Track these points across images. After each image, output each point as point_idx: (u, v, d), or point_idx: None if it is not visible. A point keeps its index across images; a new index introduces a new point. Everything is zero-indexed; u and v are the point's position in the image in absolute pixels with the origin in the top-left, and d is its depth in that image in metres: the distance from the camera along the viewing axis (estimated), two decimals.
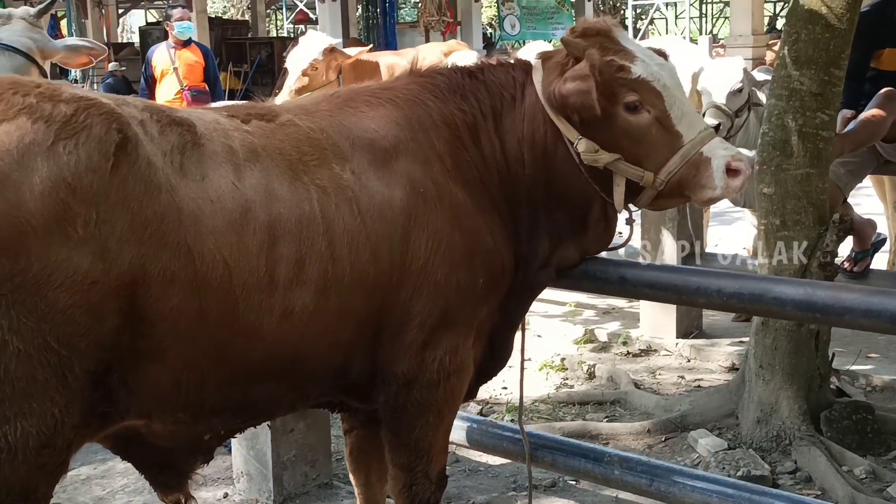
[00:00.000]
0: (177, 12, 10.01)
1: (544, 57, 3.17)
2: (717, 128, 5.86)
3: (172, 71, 9.77)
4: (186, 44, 9.95)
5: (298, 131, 2.83)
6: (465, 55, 7.49)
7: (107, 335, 2.34)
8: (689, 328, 6.45)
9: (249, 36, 26.12)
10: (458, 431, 3.75)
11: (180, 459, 2.83)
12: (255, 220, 2.58)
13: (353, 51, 8.75)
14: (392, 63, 8.73)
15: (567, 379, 6.03)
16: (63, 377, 2.28)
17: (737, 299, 3.01)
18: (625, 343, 6.47)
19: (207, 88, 9.94)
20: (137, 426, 2.64)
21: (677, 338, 6.39)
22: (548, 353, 6.35)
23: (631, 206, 3.19)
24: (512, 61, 3.24)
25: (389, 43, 20.78)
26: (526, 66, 3.17)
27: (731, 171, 2.93)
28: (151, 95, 9.74)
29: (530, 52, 7.86)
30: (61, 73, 24.70)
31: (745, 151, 3.52)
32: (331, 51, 8.22)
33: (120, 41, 29.98)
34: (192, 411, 2.65)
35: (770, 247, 4.62)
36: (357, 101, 3.05)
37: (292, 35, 26.50)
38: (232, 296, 2.53)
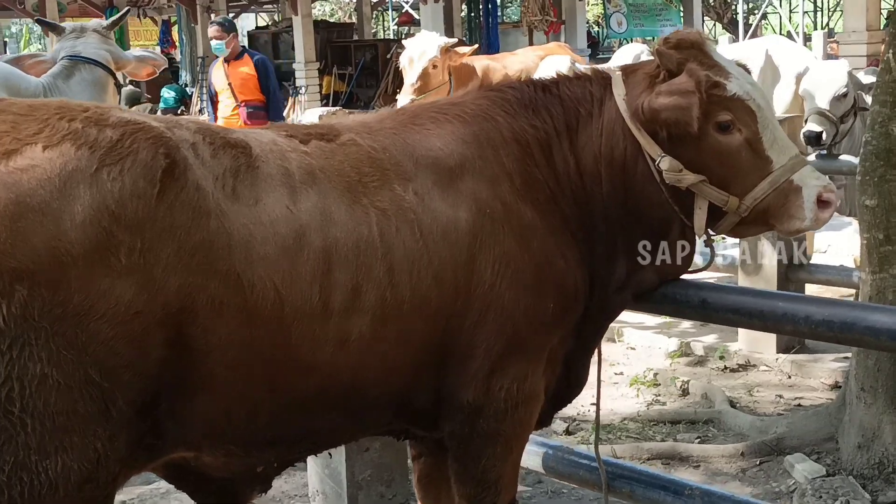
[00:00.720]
0: (211, 30, 9.51)
1: (627, 70, 3.01)
2: (819, 135, 5.62)
3: (227, 87, 9.29)
4: (239, 56, 9.36)
5: (359, 151, 2.73)
6: (558, 60, 7.31)
7: (152, 366, 2.27)
8: (790, 342, 6.18)
9: (355, 38, 26.30)
10: (532, 457, 3.61)
11: (236, 489, 2.77)
12: (309, 246, 2.49)
13: (463, 51, 8.69)
14: (486, 67, 8.64)
15: (659, 395, 5.83)
16: (106, 410, 2.22)
17: (826, 327, 2.79)
18: (721, 357, 6.23)
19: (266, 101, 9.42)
20: (187, 457, 2.58)
21: (778, 353, 6.13)
22: (640, 368, 6.17)
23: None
24: (590, 74, 3.09)
25: (492, 44, 20.71)
26: (604, 80, 3.01)
27: (821, 203, 2.77)
28: (214, 114, 9.54)
29: (626, 54, 7.69)
30: (173, 75, 25.46)
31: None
32: (446, 50, 8.16)
33: None
34: (245, 443, 2.57)
35: (872, 262, 4.36)
36: (423, 117, 2.94)
37: (396, 37, 26.63)
38: (284, 325, 2.44)
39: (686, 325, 7.01)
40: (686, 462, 4.81)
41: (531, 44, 20.38)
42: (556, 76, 3.13)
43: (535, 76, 3.16)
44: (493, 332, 2.77)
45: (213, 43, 9.39)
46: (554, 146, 2.94)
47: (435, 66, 8.09)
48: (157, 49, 28.61)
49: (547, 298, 2.84)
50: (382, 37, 29.55)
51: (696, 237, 2.96)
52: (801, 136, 5.71)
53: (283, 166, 2.57)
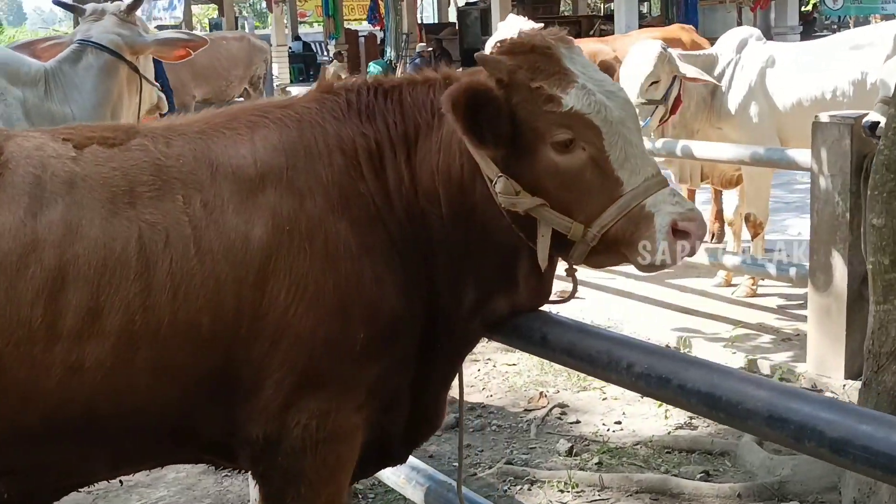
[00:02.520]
0: None
1: (467, 76, 2.67)
2: (876, 125, 4.91)
3: None
4: None
5: (143, 158, 2.54)
6: (646, 46, 6.79)
7: None
8: (861, 367, 5.50)
9: (558, 14, 25.97)
10: (415, 490, 3.35)
11: None
12: (38, 263, 2.34)
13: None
14: (595, 51, 8.19)
15: (694, 418, 5.33)
16: None
17: (644, 381, 2.40)
18: (783, 379, 5.63)
19: None
20: None
21: (846, 378, 5.48)
22: None
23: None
24: (438, 78, 2.76)
25: (690, 21, 19.82)
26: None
27: (678, 233, 2.38)
28: None
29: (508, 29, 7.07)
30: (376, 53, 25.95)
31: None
32: None
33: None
34: None
35: (877, 291, 3.78)
36: (239, 120, 2.70)
37: (599, 14, 26.08)
38: None
39: (765, 338, 6.42)
40: (676, 499, 4.36)
41: (739, 23, 19.45)
42: (404, 79, 2.83)
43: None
44: (287, 362, 2.53)
45: None
46: (387, 158, 2.65)
47: None
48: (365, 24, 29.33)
49: (355, 327, 2.56)
50: (587, 13, 28.88)
51: (541, 267, 2.58)
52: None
53: (35, 174, 2.43)
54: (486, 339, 3.00)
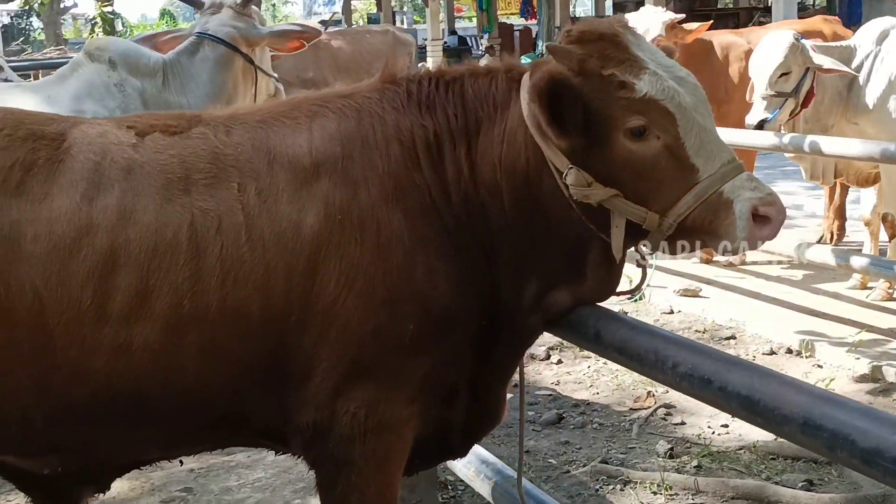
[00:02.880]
0: None
1: (537, 66, 2.64)
2: None
3: None
4: None
5: (202, 146, 2.60)
6: (778, 36, 6.54)
7: None
8: None
9: (715, 6, 25.32)
10: (483, 484, 3.33)
11: (64, 488, 2.78)
12: (90, 246, 2.42)
13: (691, 27, 8.02)
14: (728, 43, 7.98)
15: None
16: None
17: (687, 382, 2.31)
18: None
19: None
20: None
21: None
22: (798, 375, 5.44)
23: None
24: (501, 70, 2.74)
25: (853, 13, 19.04)
26: (514, 78, 2.65)
27: (758, 218, 2.36)
28: None
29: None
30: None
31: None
32: (672, 27, 7.63)
33: None
34: (20, 446, 2.58)
35: None
36: (301, 109, 2.74)
37: (759, 6, 25.27)
38: (46, 328, 2.40)
39: (892, 344, 6.10)
40: None
41: None
42: (465, 71, 2.81)
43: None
44: (337, 351, 2.55)
45: None
46: (446, 150, 2.64)
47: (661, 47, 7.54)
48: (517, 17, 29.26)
49: (405, 319, 2.56)
50: (748, 4, 27.99)
51: (616, 258, 2.55)
52: None
53: (95, 161, 2.52)
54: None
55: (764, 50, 6.58)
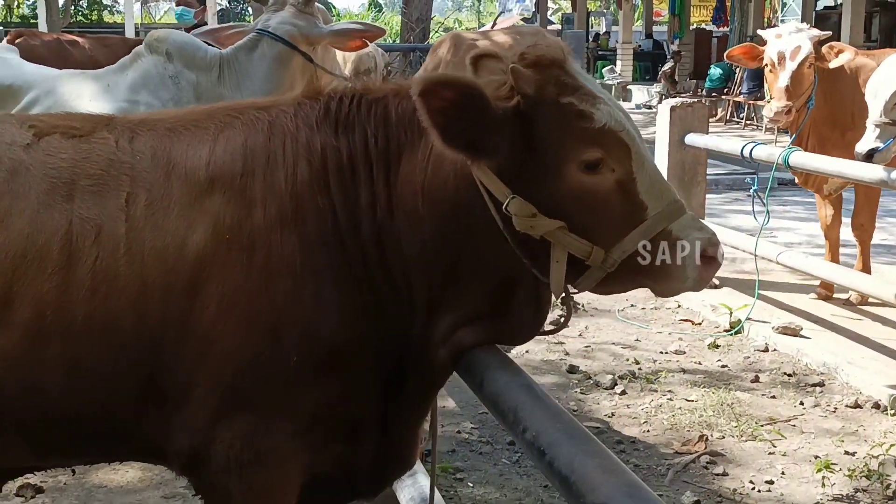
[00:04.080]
0: None
1: None
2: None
3: None
4: None
5: (101, 151, 2.52)
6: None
7: None
8: None
9: None
10: None
11: None
12: None
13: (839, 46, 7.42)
14: (858, 66, 7.30)
15: (858, 490, 4.64)
16: None
17: (529, 449, 2.09)
18: None
19: None
20: None
21: None
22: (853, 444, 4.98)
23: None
24: None
25: None
26: None
27: (705, 259, 2.29)
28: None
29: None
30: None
31: None
32: (818, 43, 7.05)
33: None
34: None
35: None
36: (214, 118, 2.63)
37: None
38: None
39: None
40: None
41: None
42: (390, 90, 2.63)
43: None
44: (215, 376, 2.43)
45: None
46: (360, 175, 2.48)
47: (810, 66, 7.03)
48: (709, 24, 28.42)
49: (287, 349, 2.42)
50: None
51: (555, 294, 2.41)
52: None
53: None
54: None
55: (883, 71, 6.05)
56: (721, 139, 8.06)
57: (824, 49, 7.02)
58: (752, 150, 7.06)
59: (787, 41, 7.08)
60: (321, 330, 2.42)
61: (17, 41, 7.77)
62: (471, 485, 4.69)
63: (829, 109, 7.07)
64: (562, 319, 2.59)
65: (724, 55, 8.16)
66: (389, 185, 2.46)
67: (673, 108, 8.08)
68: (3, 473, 2.81)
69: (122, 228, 2.41)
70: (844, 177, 6.34)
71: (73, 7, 41.70)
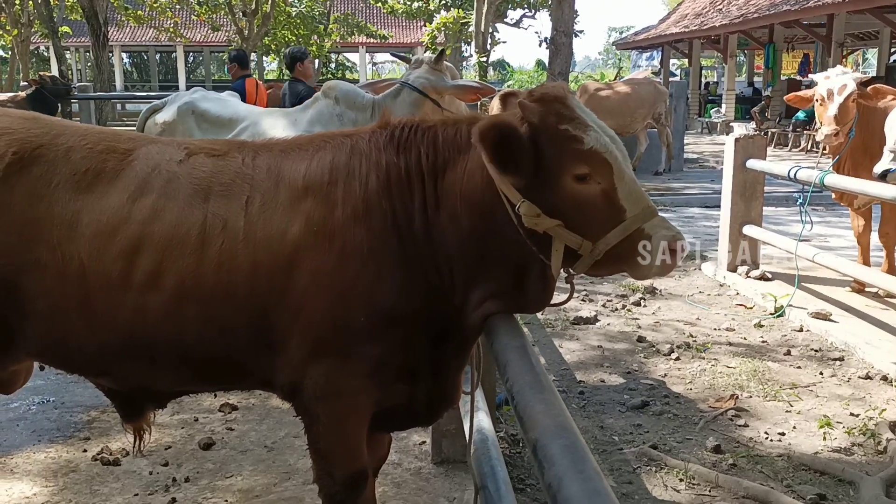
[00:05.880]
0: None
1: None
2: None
3: None
4: None
5: (230, 166, 2.60)
6: None
7: None
8: None
9: None
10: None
11: (134, 403, 2.89)
12: (124, 234, 2.48)
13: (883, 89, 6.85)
14: (888, 104, 6.76)
15: (856, 444, 4.27)
16: None
17: (509, 397, 2.02)
18: None
19: None
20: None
21: None
22: (860, 405, 4.57)
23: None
24: (469, 118, 2.56)
25: None
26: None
27: (670, 251, 2.24)
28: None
29: None
30: None
31: None
32: (861, 84, 6.59)
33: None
34: (80, 368, 2.71)
35: None
36: (314, 143, 2.68)
37: None
38: (87, 288, 2.49)
39: None
40: None
41: None
42: (439, 121, 2.63)
43: None
44: (304, 331, 2.48)
45: None
46: (414, 182, 2.50)
47: (853, 101, 6.57)
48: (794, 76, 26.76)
49: (357, 311, 2.46)
50: None
51: (554, 276, 2.39)
52: None
53: (146, 171, 2.56)
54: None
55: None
56: (774, 164, 7.54)
57: (869, 89, 6.52)
58: (796, 173, 6.61)
59: (835, 81, 6.61)
60: (381, 298, 2.42)
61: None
62: None
63: (863, 139, 6.55)
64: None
65: (784, 98, 7.68)
66: (437, 191, 2.45)
67: (737, 140, 7.66)
68: (164, 395, 2.92)
69: (242, 222, 2.46)
70: (867, 194, 5.86)
71: (324, 67, 43.32)
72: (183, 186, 2.53)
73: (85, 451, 4.15)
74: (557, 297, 2.48)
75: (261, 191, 2.51)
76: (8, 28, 22.05)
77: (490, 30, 25.13)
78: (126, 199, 2.51)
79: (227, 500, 3.65)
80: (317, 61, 37.09)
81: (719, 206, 8.10)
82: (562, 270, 2.37)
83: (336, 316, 2.42)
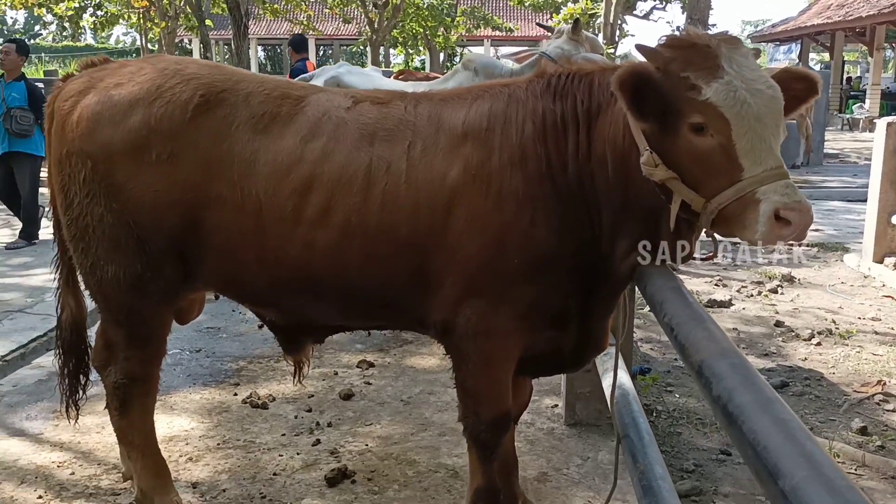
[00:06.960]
0: None
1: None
2: None
3: None
4: None
5: (393, 113, 2.72)
6: None
7: (169, 230, 2.70)
8: None
9: None
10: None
11: (295, 337, 3.03)
12: (297, 173, 2.63)
13: None
14: None
15: None
16: (141, 246, 2.74)
17: (668, 330, 2.03)
18: None
19: None
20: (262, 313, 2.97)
21: None
22: None
23: None
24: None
25: None
26: None
27: (780, 220, 2.06)
28: None
29: None
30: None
31: None
32: None
33: None
34: (252, 299, 2.88)
35: None
36: (471, 92, 2.77)
37: None
38: (262, 222, 2.64)
39: None
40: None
41: None
42: (598, 68, 2.66)
43: None
44: (460, 270, 2.59)
45: None
46: (570, 128, 2.56)
47: None
48: None
49: (511, 254, 2.54)
50: None
51: (670, 227, 2.32)
52: None
53: (318, 116, 2.71)
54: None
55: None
56: None
57: None
58: None
59: None
60: (535, 241, 2.48)
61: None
62: (677, 395, 4.54)
63: None
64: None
65: None
66: (589, 137, 2.48)
67: (889, 125, 7.29)
68: (324, 329, 3.07)
69: (404, 165, 2.57)
70: None
71: (449, 60, 43.69)
72: (350, 131, 2.65)
73: (235, 394, 4.41)
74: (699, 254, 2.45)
75: (422, 136, 2.60)
76: (156, 21, 23.37)
77: (619, 21, 24.71)
78: (299, 140, 2.66)
79: (367, 445, 3.80)
80: (442, 53, 37.49)
81: (862, 201, 7.73)
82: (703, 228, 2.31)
83: (490, 257, 2.49)
